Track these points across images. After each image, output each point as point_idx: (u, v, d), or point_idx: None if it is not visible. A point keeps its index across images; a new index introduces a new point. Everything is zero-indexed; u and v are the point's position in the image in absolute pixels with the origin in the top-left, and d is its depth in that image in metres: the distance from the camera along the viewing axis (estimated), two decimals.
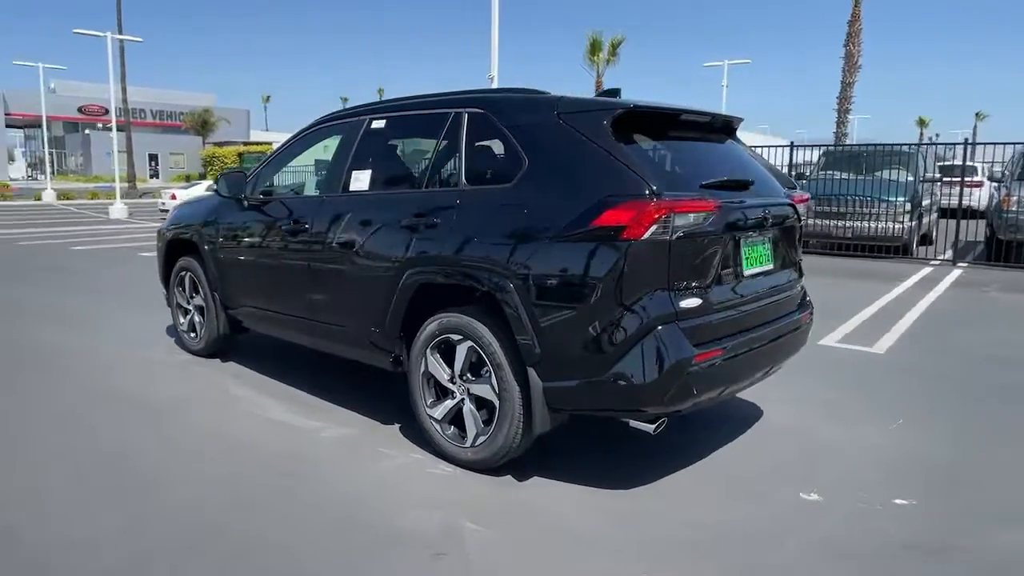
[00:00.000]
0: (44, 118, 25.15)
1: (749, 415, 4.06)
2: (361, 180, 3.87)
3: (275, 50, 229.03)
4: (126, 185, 30.82)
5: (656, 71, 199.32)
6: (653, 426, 2.96)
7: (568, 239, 2.93)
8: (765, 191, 3.51)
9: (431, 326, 3.33)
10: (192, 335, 5.20)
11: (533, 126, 3.24)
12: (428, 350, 3.36)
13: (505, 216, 3.12)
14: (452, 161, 3.61)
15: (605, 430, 3.74)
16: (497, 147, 3.49)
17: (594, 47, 30.80)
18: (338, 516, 2.87)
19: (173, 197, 19.11)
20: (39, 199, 27.95)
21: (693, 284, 2.97)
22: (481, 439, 3.20)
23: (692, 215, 2.92)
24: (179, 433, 3.76)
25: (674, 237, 2.86)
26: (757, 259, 3.33)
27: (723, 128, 3.72)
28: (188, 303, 5.20)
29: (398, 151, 4.42)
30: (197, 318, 5.13)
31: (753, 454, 3.56)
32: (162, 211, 19.70)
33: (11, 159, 50.50)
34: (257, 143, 42.48)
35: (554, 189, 3.09)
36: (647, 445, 3.50)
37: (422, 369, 3.42)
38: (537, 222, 3.03)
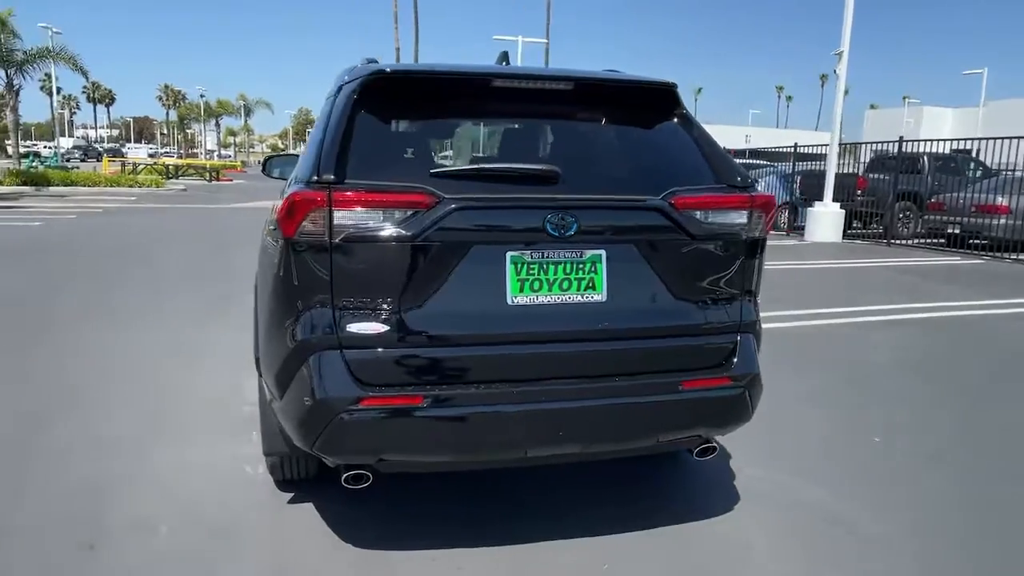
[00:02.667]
0: None
1: None
2: None
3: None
4: None
5: None
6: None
7: (268, 236, 2.61)
8: (603, 187, 2.52)
9: None
10: None
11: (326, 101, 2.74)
12: None
13: None
14: None
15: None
16: None
17: None
18: None
19: None
20: None
21: (379, 304, 2.29)
22: None
23: (369, 212, 2.23)
24: None
25: (338, 239, 2.23)
26: (551, 283, 2.37)
27: (601, 98, 2.76)
28: None
29: None
30: None
31: None
32: None
33: None
34: None
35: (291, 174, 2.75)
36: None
37: None
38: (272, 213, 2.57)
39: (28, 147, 54.23)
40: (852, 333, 6.44)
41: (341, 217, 2.23)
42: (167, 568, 2.54)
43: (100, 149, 70.55)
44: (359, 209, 2.24)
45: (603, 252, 2.43)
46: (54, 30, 31.74)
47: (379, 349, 2.31)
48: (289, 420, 2.37)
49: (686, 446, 2.76)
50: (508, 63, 3.16)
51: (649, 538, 2.81)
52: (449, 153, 2.75)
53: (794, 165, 17.13)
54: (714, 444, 2.78)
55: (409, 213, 2.26)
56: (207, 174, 38.33)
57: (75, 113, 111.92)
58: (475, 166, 2.45)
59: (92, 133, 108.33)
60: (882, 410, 4.42)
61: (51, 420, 3.83)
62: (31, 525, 2.78)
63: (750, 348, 2.66)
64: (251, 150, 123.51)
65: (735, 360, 2.61)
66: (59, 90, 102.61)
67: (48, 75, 39.37)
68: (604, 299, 2.44)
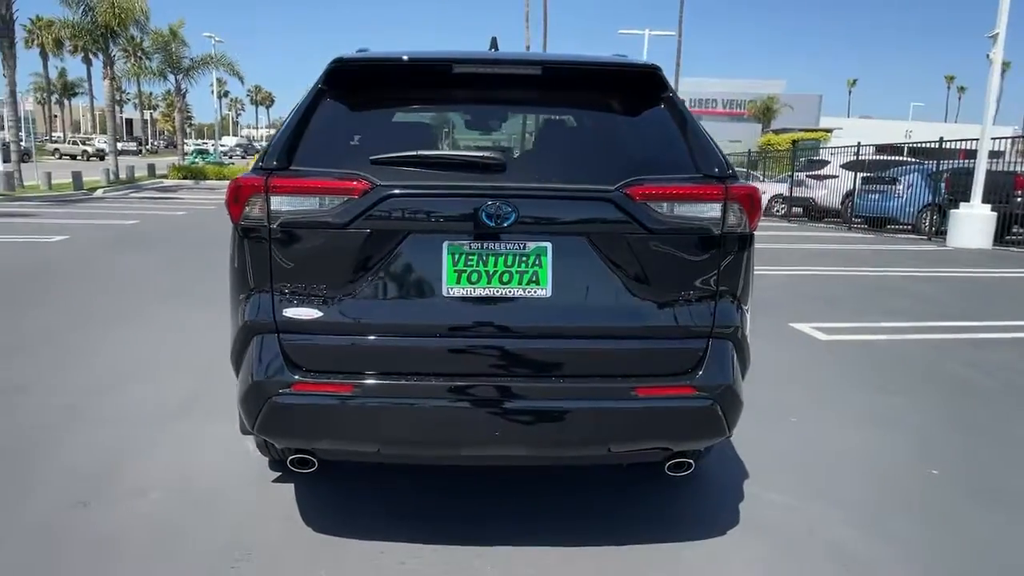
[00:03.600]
0: None
1: None
2: None
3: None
4: None
5: None
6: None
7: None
8: (555, 176, 2.33)
9: None
10: None
11: None
12: None
13: None
14: None
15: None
16: None
17: None
18: None
19: None
20: None
21: (315, 290, 2.29)
22: None
23: (303, 198, 2.24)
24: None
25: (275, 224, 2.25)
26: (491, 276, 2.27)
27: (573, 83, 2.61)
28: None
29: None
30: None
31: None
32: None
33: None
34: (818, 129, 39.05)
35: None
36: None
37: None
38: None
39: (199, 145, 60.43)
40: (959, 350, 5.70)
41: (278, 203, 2.25)
42: (140, 527, 2.70)
43: (257, 147, 76.84)
44: (294, 195, 2.25)
45: (549, 245, 2.27)
46: (216, 39, 34.94)
47: (313, 335, 2.31)
48: (238, 400, 2.43)
49: (649, 459, 2.55)
50: (496, 48, 3.06)
51: (605, 555, 2.62)
52: (412, 141, 2.67)
53: (939, 163, 15.50)
54: (688, 460, 2.55)
55: (343, 200, 2.23)
56: None
57: (240, 114, 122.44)
58: (412, 153, 2.32)
59: (254, 132, 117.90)
60: (963, 439, 3.86)
61: (114, 388, 4.21)
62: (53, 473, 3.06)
63: (723, 356, 2.39)
64: None
65: (702, 368, 2.36)
66: (227, 93, 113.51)
67: (218, 80, 43.27)
68: (549, 294, 2.28)
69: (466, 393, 2.29)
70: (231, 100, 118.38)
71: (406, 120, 2.62)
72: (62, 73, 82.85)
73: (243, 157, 60.19)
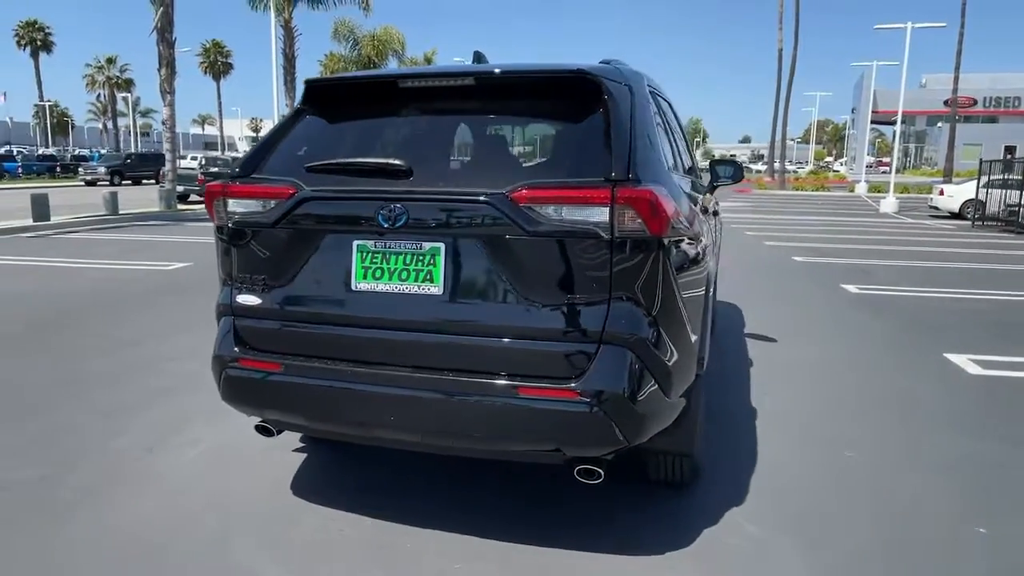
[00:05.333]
0: (899, 113, 26.97)
1: None
2: None
3: None
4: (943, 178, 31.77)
5: None
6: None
7: None
8: (455, 180, 2.48)
9: None
10: None
11: None
12: None
13: None
14: None
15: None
16: None
17: None
18: None
19: (941, 193, 19.62)
20: (852, 191, 32.82)
21: (257, 280, 2.64)
22: None
23: (249, 201, 2.60)
24: None
25: (231, 223, 2.66)
26: (392, 273, 2.45)
27: (504, 92, 2.68)
28: None
29: None
30: None
31: None
32: (930, 207, 20.53)
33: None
34: None
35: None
36: None
37: None
38: None
39: None
40: None
41: (232, 205, 2.68)
42: (180, 469, 3.32)
43: None
44: (242, 199, 2.66)
45: (442, 245, 2.41)
46: (466, 63, 38.14)
47: (255, 319, 2.70)
48: None
49: (545, 460, 2.52)
50: (481, 62, 3.20)
51: (527, 556, 2.65)
52: (354, 149, 2.93)
53: None
54: (597, 469, 2.48)
55: (275, 203, 2.59)
56: None
57: None
58: (332, 161, 2.56)
59: None
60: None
61: None
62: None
63: (616, 364, 2.32)
64: None
65: (588, 374, 2.31)
66: None
67: None
68: (440, 292, 2.42)
69: (367, 379, 2.50)
70: None
71: (357, 131, 2.88)
72: None
73: None
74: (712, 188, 5.11)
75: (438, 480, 3.25)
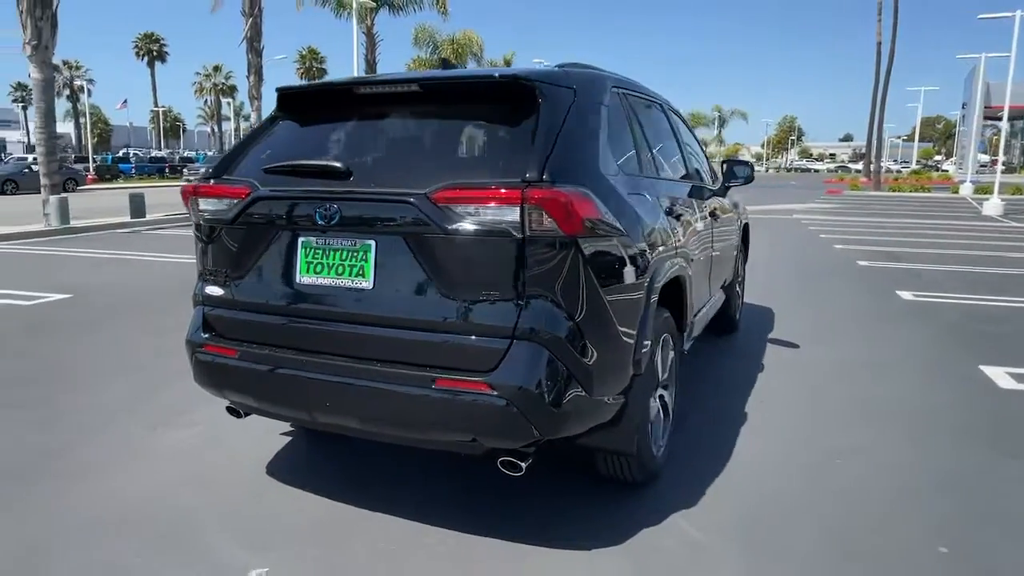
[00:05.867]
0: (1006, 108, 26.14)
1: None
2: None
3: None
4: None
5: None
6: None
7: None
8: (388, 181, 2.55)
9: None
10: None
11: None
12: None
13: None
14: None
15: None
16: None
17: None
18: None
19: None
20: (955, 192, 30.95)
21: (221, 273, 2.90)
22: None
23: (214, 200, 2.87)
24: None
25: (201, 220, 2.92)
26: (330, 267, 2.62)
27: (480, 96, 2.78)
28: None
29: None
30: None
31: None
32: None
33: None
34: None
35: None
36: None
37: None
38: None
39: None
40: None
41: (202, 204, 2.92)
42: (178, 446, 3.62)
43: None
44: (208, 198, 2.89)
45: (373, 243, 2.56)
46: (544, 64, 38.24)
47: (218, 308, 2.93)
48: None
49: (466, 451, 2.61)
50: (448, 68, 3.31)
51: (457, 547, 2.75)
52: (311, 151, 3.07)
53: None
54: (519, 462, 2.55)
55: (234, 202, 2.80)
56: None
57: None
58: (283, 163, 2.75)
59: None
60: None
61: None
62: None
63: (529, 359, 2.39)
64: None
65: (500, 368, 2.39)
66: None
67: None
68: (371, 286, 2.57)
69: (309, 367, 2.67)
70: None
71: (316, 134, 3.03)
72: None
73: None
74: (725, 189, 5.04)
75: (409, 472, 3.38)
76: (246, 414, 3.09)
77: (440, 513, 2.95)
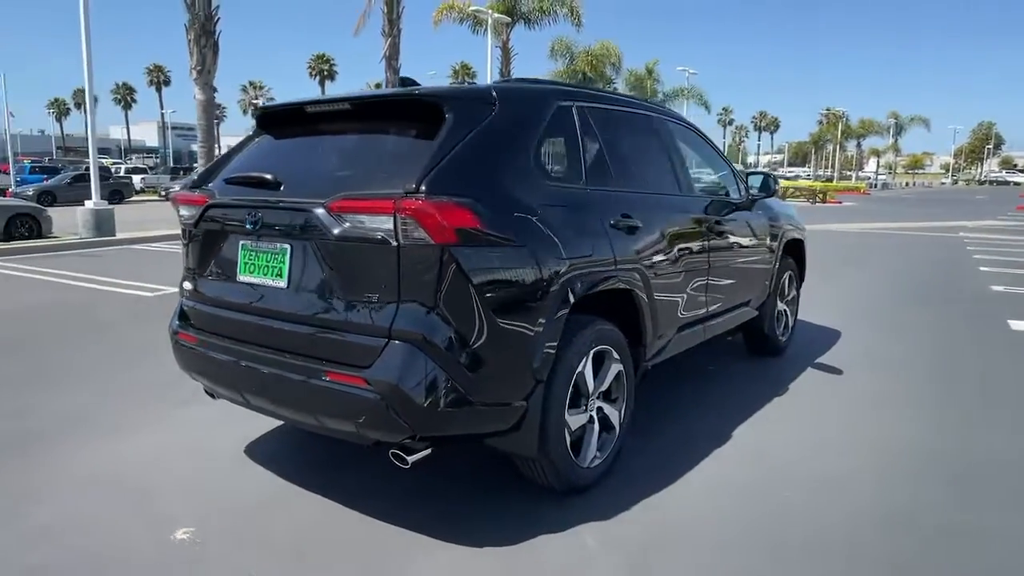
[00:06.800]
0: None
1: None
2: None
3: None
4: None
5: None
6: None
7: None
8: (305, 192, 2.80)
9: None
10: None
11: None
12: None
13: None
14: None
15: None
16: None
17: None
18: None
19: None
20: None
21: (194, 270, 3.32)
22: None
23: (184, 207, 3.28)
24: None
25: (182, 224, 3.35)
26: (263, 268, 2.94)
27: (396, 112, 2.99)
28: None
29: None
30: None
31: None
32: None
33: None
34: None
35: None
36: None
37: None
38: None
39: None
40: None
41: (181, 210, 3.35)
42: (177, 421, 4.12)
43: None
44: (184, 205, 3.32)
45: (288, 247, 2.86)
46: (690, 71, 37.29)
47: (189, 300, 3.36)
48: None
49: (357, 440, 2.78)
50: (407, 85, 3.48)
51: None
52: (261, 164, 3.24)
53: None
54: (405, 456, 2.71)
55: (195, 209, 3.22)
56: (813, 196, 38.78)
57: (743, 141, 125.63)
58: (232, 175, 3.15)
59: (757, 159, 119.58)
60: None
61: None
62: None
63: (403, 359, 2.56)
64: (917, 171, 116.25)
65: (375, 365, 2.58)
66: (731, 121, 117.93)
67: (724, 108, 45.39)
68: (285, 286, 2.88)
69: (242, 355, 3.00)
70: (735, 127, 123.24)
71: (271, 147, 3.36)
72: None
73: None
74: (752, 202, 4.86)
75: (369, 465, 3.59)
76: (217, 397, 3.48)
77: (362, 502, 3.15)
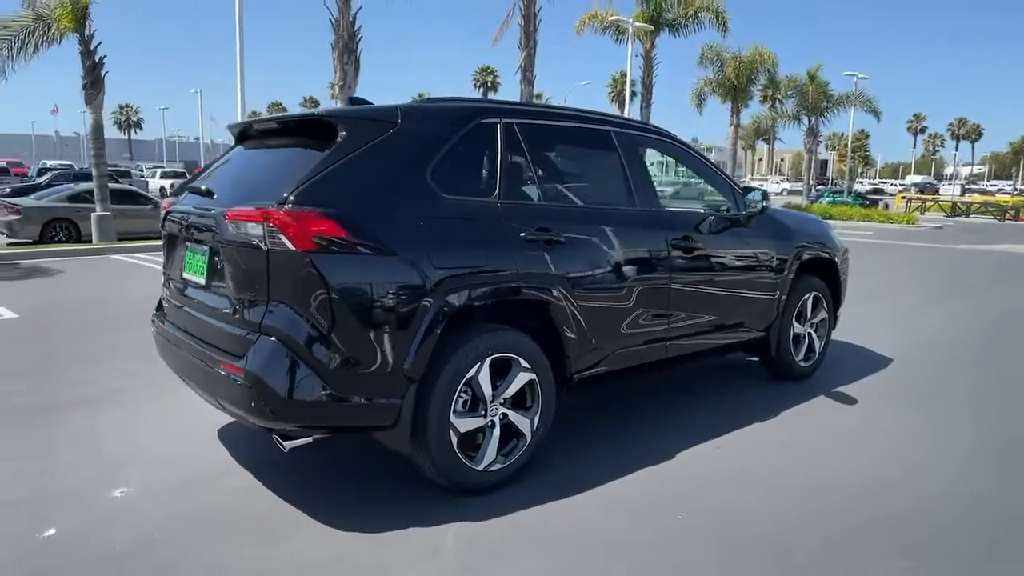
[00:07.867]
0: None
1: None
2: None
3: None
4: None
5: None
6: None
7: None
8: (222, 202, 3.20)
9: None
10: None
11: None
12: None
13: None
14: None
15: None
16: None
17: None
18: None
19: None
20: None
21: (164, 268, 3.81)
22: None
23: (162, 211, 3.80)
24: None
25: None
26: (194, 267, 3.39)
27: (304, 130, 3.34)
28: None
29: None
30: None
31: None
32: None
33: None
34: None
35: None
36: None
37: None
38: None
39: (874, 184, 60.98)
40: None
41: (162, 215, 3.89)
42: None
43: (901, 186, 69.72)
44: (161, 212, 3.87)
45: (208, 249, 3.29)
46: (859, 76, 34.39)
47: (162, 293, 3.92)
48: None
49: (248, 425, 3.06)
50: (358, 104, 3.75)
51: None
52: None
53: None
54: (282, 442, 3.00)
55: (164, 215, 3.77)
56: (1003, 214, 34.48)
57: (938, 151, 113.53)
58: (183, 183, 3.67)
59: (954, 171, 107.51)
60: None
61: None
62: None
63: (268, 352, 2.87)
64: None
65: (247, 356, 2.91)
66: (924, 129, 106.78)
67: (916, 116, 41.54)
68: (204, 283, 3.32)
69: (179, 342, 3.47)
70: (929, 136, 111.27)
71: (226, 160, 3.80)
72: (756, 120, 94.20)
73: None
74: (748, 218, 4.68)
75: (344, 461, 3.90)
76: None
77: (300, 494, 3.50)
